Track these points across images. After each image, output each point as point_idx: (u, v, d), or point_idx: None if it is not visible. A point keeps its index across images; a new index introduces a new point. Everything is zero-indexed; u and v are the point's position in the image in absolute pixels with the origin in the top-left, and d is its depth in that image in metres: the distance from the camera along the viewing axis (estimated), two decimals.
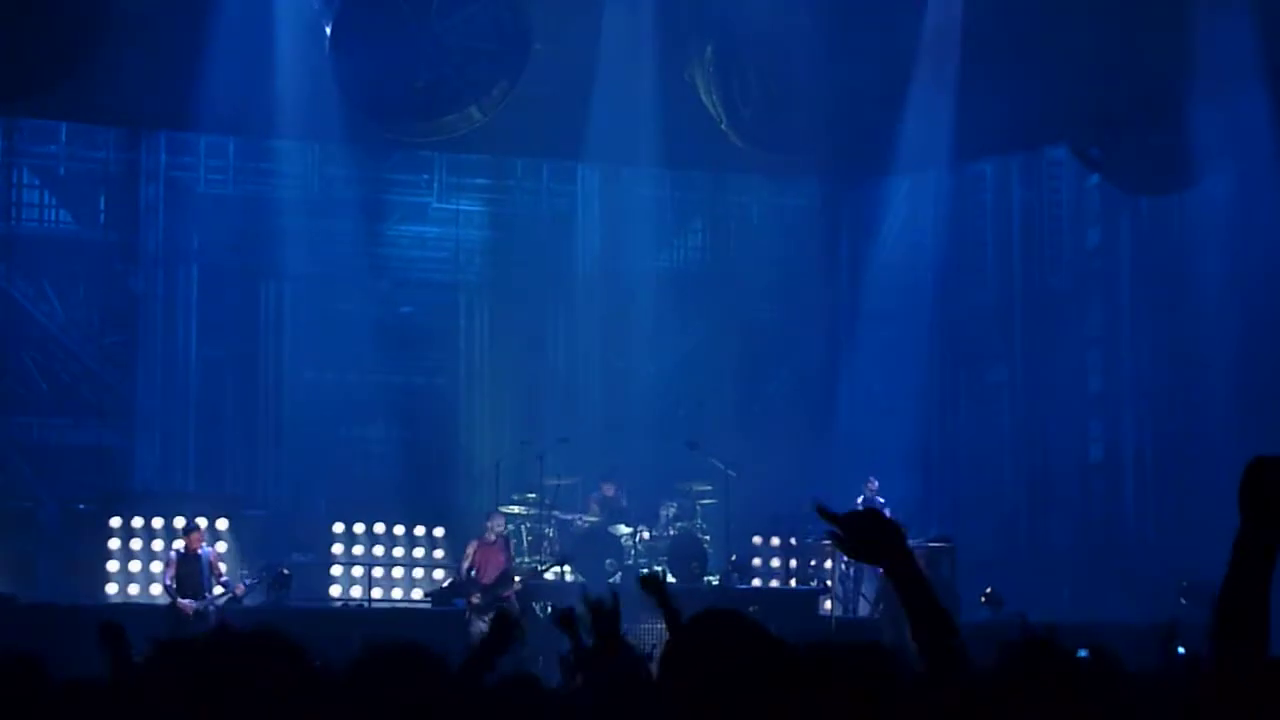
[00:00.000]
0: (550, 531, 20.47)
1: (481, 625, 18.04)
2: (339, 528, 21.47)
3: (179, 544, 17.72)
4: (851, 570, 20.62)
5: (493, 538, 18.61)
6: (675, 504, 20.93)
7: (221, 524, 20.35)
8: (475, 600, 18.31)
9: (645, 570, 6.45)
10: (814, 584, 21.27)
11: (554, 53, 19.95)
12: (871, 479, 20.53)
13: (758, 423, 23.79)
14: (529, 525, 20.50)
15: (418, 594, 21.09)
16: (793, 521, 22.16)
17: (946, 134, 21.45)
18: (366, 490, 22.08)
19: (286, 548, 20.74)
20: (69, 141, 23.05)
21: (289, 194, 23.30)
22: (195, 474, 22.93)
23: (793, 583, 22.03)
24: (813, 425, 23.92)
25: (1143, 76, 20.03)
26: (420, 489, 22.49)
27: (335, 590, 21.12)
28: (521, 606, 18.28)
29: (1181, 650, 11.77)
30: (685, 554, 20.38)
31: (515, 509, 20.37)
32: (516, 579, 18.63)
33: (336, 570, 21.31)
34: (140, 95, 20.21)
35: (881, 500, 20.58)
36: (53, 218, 23.26)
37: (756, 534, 22.25)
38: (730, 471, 20.32)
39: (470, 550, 18.70)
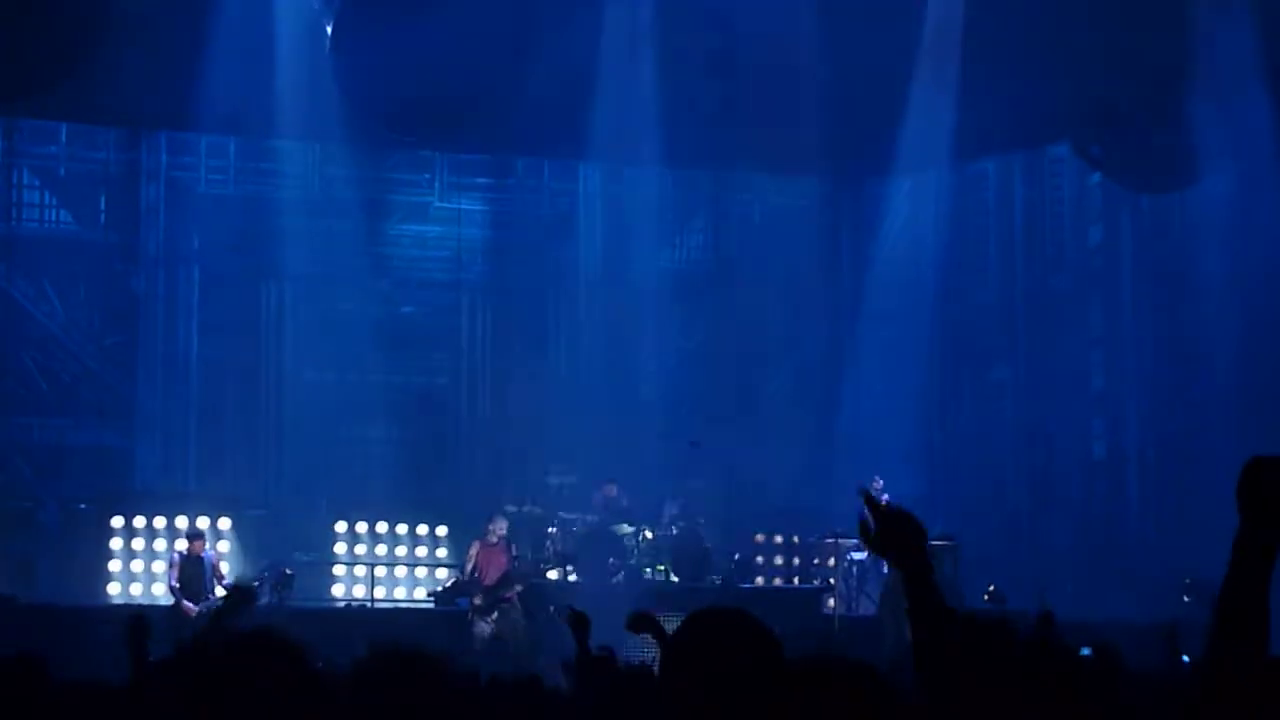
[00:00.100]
0: (553, 531, 20.46)
1: (484, 626, 18.08)
2: (341, 527, 21.49)
3: (180, 545, 17.73)
4: (854, 569, 20.63)
5: (494, 539, 18.61)
6: (678, 503, 20.93)
7: (223, 524, 20.37)
8: (478, 601, 18.32)
9: (631, 612, 6.42)
10: (817, 582, 21.27)
11: (554, 52, 19.93)
12: (876, 478, 20.55)
13: (760, 421, 23.79)
14: (531, 526, 20.49)
15: (420, 593, 21.10)
16: (795, 520, 22.16)
17: (948, 132, 21.45)
18: (368, 490, 22.07)
19: (288, 547, 20.74)
20: (69, 142, 23.04)
21: (289, 194, 23.29)
22: (196, 474, 22.91)
23: (795, 581, 22.05)
24: (815, 424, 23.94)
25: (1144, 75, 20.03)
26: (422, 489, 22.50)
27: (337, 590, 21.13)
28: (525, 608, 18.29)
29: (1186, 659, 11.77)
30: (687, 553, 20.38)
31: (517, 509, 20.36)
32: (517, 587, 18.60)
33: (339, 570, 21.32)
34: (140, 95, 20.22)
35: (887, 498, 20.61)
36: (53, 218, 23.25)
37: (759, 532, 22.26)
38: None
39: (472, 551, 18.70)
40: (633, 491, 21.07)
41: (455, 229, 24.73)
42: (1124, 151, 21.73)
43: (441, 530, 21.74)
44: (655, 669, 4.41)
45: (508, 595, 18.29)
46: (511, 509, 20.02)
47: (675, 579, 20.12)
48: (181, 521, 19.50)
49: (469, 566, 18.64)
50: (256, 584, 16.47)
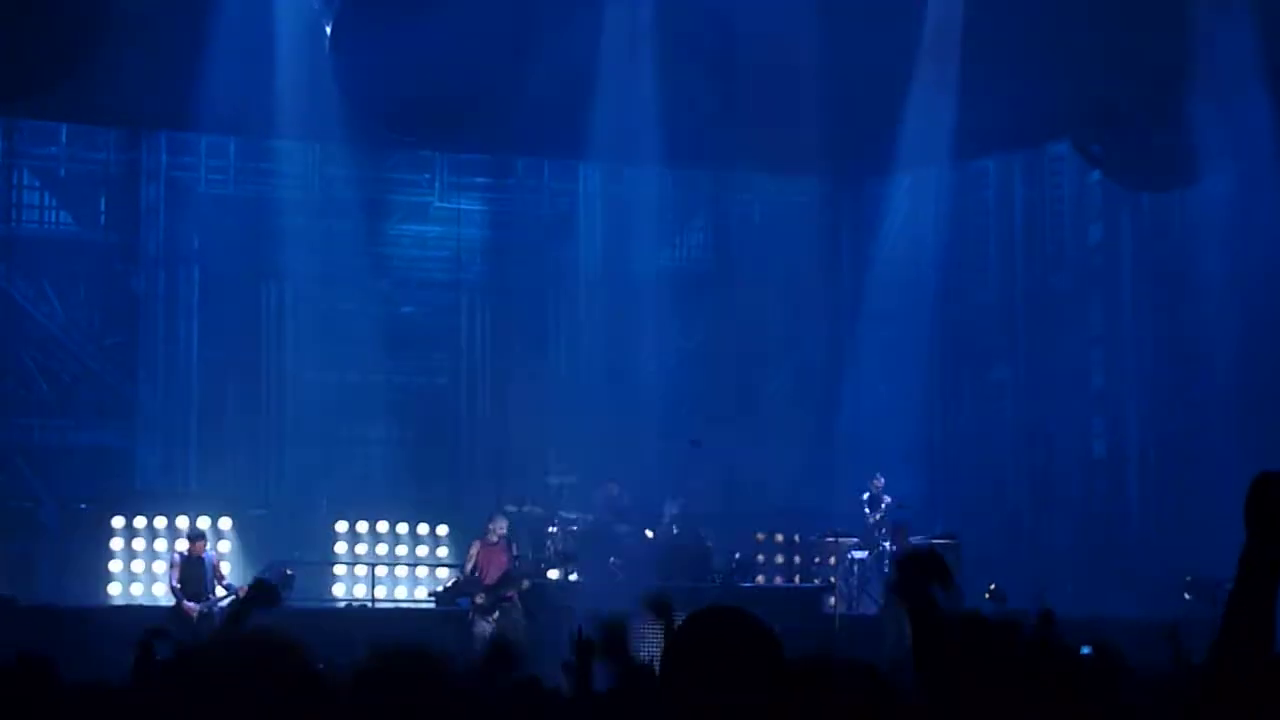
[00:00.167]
0: (553, 531, 20.46)
1: (485, 626, 18.07)
2: (341, 527, 21.48)
3: (181, 546, 17.72)
4: (855, 568, 20.63)
5: (495, 538, 18.61)
6: (678, 503, 20.93)
7: (224, 524, 20.36)
8: (479, 601, 18.32)
9: (648, 592, 6.45)
10: (817, 581, 21.27)
11: (554, 52, 19.93)
12: (878, 476, 20.59)
13: (760, 421, 23.79)
14: (531, 525, 20.49)
15: (421, 593, 21.10)
16: (795, 519, 22.15)
17: (948, 132, 21.45)
18: (368, 490, 22.08)
19: (289, 547, 20.74)
20: (69, 142, 23.04)
21: (290, 194, 23.29)
22: (197, 474, 22.91)
23: (796, 580, 22.05)
24: (815, 423, 23.95)
25: (1144, 75, 20.04)
26: (422, 488, 22.51)
27: (338, 590, 21.13)
28: (526, 608, 18.30)
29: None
30: (688, 553, 20.38)
31: (517, 508, 20.36)
32: (525, 583, 18.60)
33: (339, 570, 21.32)
34: (140, 95, 20.22)
35: (888, 498, 20.63)
36: (53, 219, 23.25)
37: (759, 532, 22.26)
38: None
39: (473, 551, 18.71)
40: (633, 491, 21.07)
41: (455, 229, 24.73)
42: (1124, 151, 21.74)
43: (442, 530, 21.75)
44: (656, 667, 4.41)
45: (509, 595, 18.30)
46: (512, 509, 20.02)
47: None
48: (182, 521, 19.50)
49: (469, 566, 18.64)
50: (279, 584, 16.44)
